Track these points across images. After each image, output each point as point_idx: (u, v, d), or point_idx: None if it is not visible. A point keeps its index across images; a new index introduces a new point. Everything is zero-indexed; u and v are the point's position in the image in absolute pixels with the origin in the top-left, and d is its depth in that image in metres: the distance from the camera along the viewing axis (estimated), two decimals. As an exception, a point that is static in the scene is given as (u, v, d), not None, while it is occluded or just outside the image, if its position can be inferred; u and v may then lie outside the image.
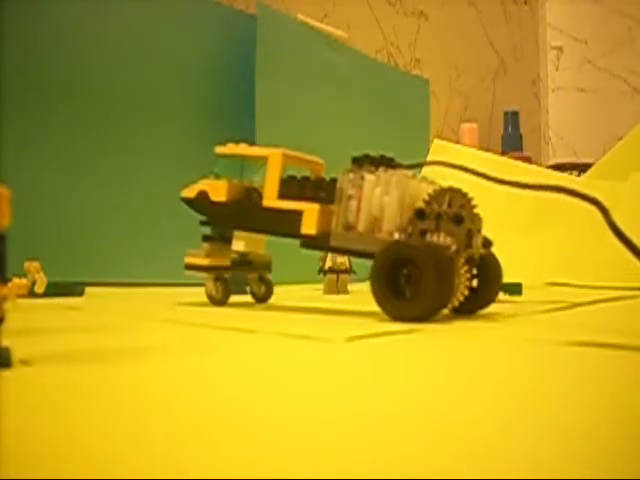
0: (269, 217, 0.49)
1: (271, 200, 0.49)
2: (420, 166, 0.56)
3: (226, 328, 0.39)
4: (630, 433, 0.16)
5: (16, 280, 0.28)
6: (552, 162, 2.10)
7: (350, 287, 0.85)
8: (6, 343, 0.24)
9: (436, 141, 1.39)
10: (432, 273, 0.39)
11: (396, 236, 0.42)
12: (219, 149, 0.55)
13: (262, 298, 0.58)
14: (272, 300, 0.64)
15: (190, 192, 0.54)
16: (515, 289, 0.64)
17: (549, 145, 2.42)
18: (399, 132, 1.48)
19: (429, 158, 1.33)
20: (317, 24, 1.32)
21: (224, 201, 0.51)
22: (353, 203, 0.45)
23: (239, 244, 0.53)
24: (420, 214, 0.43)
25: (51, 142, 0.91)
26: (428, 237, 0.42)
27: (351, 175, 0.45)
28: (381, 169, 0.45)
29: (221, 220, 0.53)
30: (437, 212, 0.42)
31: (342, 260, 0.82)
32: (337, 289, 0.82)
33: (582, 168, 1.70)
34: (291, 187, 0.49)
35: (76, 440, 0.15)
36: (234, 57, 1.16)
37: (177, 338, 0.36)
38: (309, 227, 0.46)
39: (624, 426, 0.17)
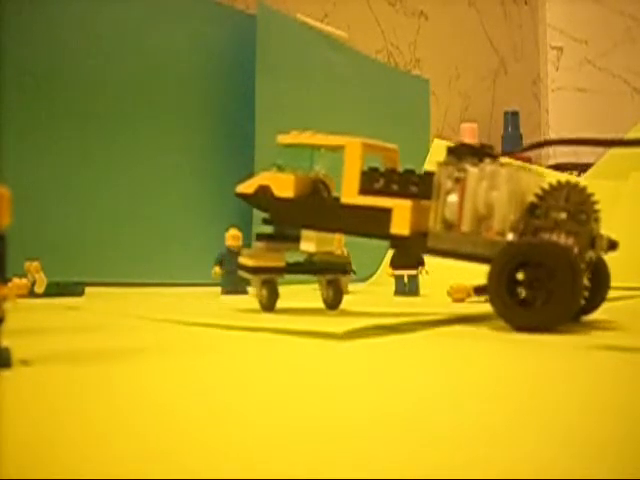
0: (348, 215, 0.44)
1: (351, 196, 0.44)
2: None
3: (226, 328, 0.39)
4: (630, 433, 0.16)
5: (16, 280, 0.28)
6: (552, 162, 2.10)
7: (350, 287, 0.85)
8: (6, 343, 0.24)
9: (436, 141, 1.39)
10: (567, 277, 0.35)
11: (510, 237, 0.38)
12: (282, 138, 0.49)
13: (330, 304, 0.50)
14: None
15: (248, 187, 0.48)
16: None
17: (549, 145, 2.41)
18: (399, 132, 1.48)
19: (429, 158, 1.33)
20: (317, 24, 1.32)
21: (291, 197, 0.46)
22: (453, 199, 0.39)
23: (309, 244, 0.46)
24: (534, 210, 0.38)
25: (51, 142, 0.91)
26: (544, 236, 0.37)
27: (449, 167, 0.40)
28: (486, 161, 0.39)
29: (288, 218, 0.47)
30: (555, 208, 0.38)
31: (342, 260, 0.82)
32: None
33: (582, 168, 1.69)
34: (374, 181, 0.43)
35: (76, 440, 0.15)
36: (234, 57, 1.16)
37: (177, 338, 0.36)
38: (400, 227, 0.41)
39: (624, 426, 0.17)
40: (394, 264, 0.79)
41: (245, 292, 0.80)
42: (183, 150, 1.08)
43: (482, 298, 0.62)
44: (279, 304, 0.48)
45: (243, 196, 0.49)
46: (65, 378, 0.23)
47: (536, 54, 2.43)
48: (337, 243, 0.82)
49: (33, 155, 0.88)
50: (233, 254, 0.80)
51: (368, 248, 1.12)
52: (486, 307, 0.48)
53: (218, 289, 0.80)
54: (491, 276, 0.37)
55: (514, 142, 1.98)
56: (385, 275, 0.84)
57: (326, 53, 1.31)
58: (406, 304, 0.62)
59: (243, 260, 0.48)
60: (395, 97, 1.50)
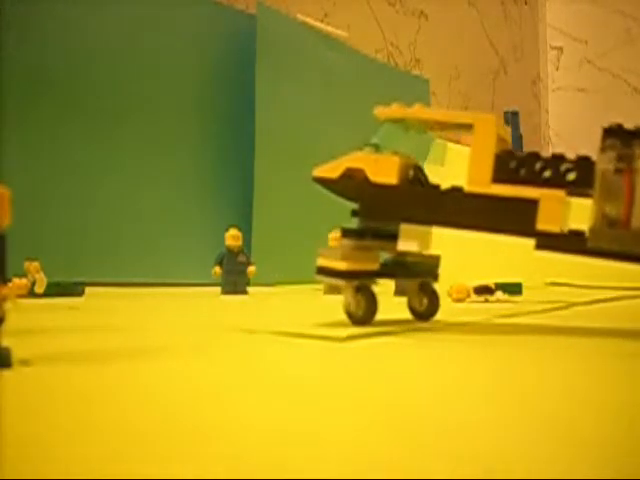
0: (476, 208, 0.36)
1: (481, 184, 0.36)
2: None
3: (226, 328, 0.39)
4: (630, 433, 0.16)
5: (16, 280, 0.28)
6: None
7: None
8: (6, 343, 0.24)
9: (436, 141, 1.39)
10: None
11: None
12: (381, 111, 0.40)
13: (423, 314, 0.42)
14: (272, 300, 0.63)
15: (331, 170, 0.39)
16: (515, 289, 0.64)
17: (549, 145, 2.42)
18: (399, 132, 1.48)
19: (429, 158, 1.33)
20: (317, 24, 1.32)
21: (394, 183, 0.37)
22: (619, 191, 0.33)
23: (411, 243, 0.38)
24: None
25: (51, 142, 0.91)
26: None
27: (612, 152, 0.34)
28: None
29: (388, 210, 0.38)
30: None
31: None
32: (337, 289, 0.82)
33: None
34: (510, 167, 0.36)
35: (76, 440, 0.15)
36: (234, 57, 1.16)
37: (177, 338, 0.36)
38: (550, 222, 0.35)
39: (624, 426, 0.17)
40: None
41: (245, 292, 0.80)
42: (183, 150, 1.08)
43: (482, 298, 0.62)
44: (279, 304, 0.48)
45: (323, 181, 0.40)
46: (65, 378, 0.23)
47: (536, 54, 2.43)
48: (336, 242, 0.82)
49: (33, 155, 0.88)
50: (233, 254, 0.81)
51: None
52: (486, 307, 0.48)
53: (218, 289, 0.80)
54: None
55: (514, 142, 1.98)
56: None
57: (326, 53, 1.31)
58: (406, 304, 0.61)
59: (327, 262, 0.39)
60: (395, 97, 1.50)
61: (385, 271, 0.40)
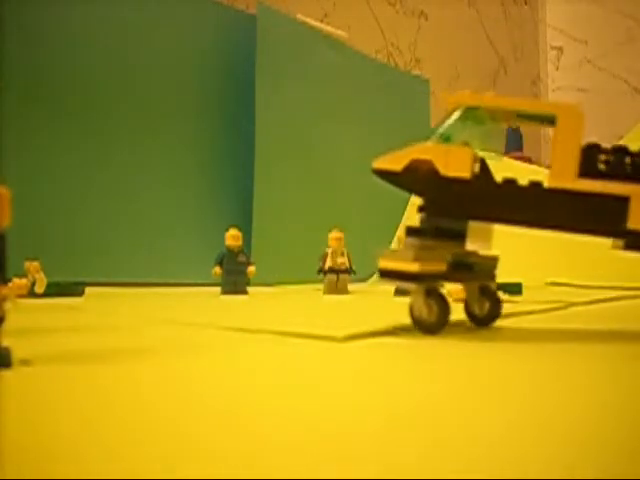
0: (559, 205, 0.34)
1: (565, 179, 0.33)
2: None
3: (226, 328, 0.39)
4: (630, 434, 0.16)
5: (16, 280, 0.28)
6: (552, 162, 2.09)
7: (350, 287, 0.85)
8: (6, 343, 0.24)
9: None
10: None
11: None
12: (451, 98, 0.37)
13: (484, 319, 0.39)
14: (272, 300, 0.63)
15: (395, 162, 0.36)
16: (515, 289, 0.64)
17: (549, 145, 2.42)
18: (399, 132, 1.48)
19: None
20: (317, 24, 1.32)
21: (466, 177, 0.34)
22: None
23: (482, 243, 0.35)
24: None
25: (51, 143, 0.91)
26: None
27: None
28: None
29: (458, 206, 0.35)
30: None
31: (342, 260, 0.82)
32: (337, 289, 0.82)
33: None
34: (597, 161, 0.34)
35: (76, 440, 0.15)
36: (234, 57, 1.16)
37: (177, 338, 0.35)
38: None
39: (624, 427, 0.17)
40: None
41: (245, 292, 0.80)
42: (183, 150, 1.08)
43: None
44: (279, 304, 0.48)
45: (385, 173, 0.36)
46: (65, 378, 0.23)
47: (536, 54, 2.43)
48: (336, 242, 0.83)
49: (33, 155, 0.88)
50: (233, 254, 0.81)
51: (368, 248, 1.12)
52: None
53: (218, 289, 0.80)
54: None
55: (514, 142, 1.98)
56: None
57: (326, 53, 1.31)
58: (406, 304, 0.61)
59: (394, 264, 0.35)
60: (395, 97, 1.50)
61: (451, 273, 0.36)
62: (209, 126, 1.13)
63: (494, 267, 0.39)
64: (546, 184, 0.34)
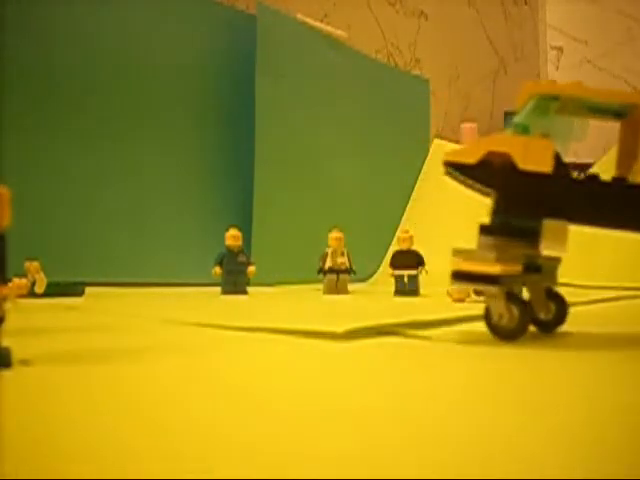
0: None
1: None
2: None
3: (226, 328, 0.39)
4: (630, 434, 0.16)
5: (16, 280, 0.28)
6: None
7: (350, 287, 0.85)
8: (6, 343, 0.24)
9: (436, 141, 1.39)
10: None
11: None
12: (530, 85, 0.34)
13: (550, 323, 0.36)
14: (272, 300, 0.62)
15: (469, 154, 0.33)
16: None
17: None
18: (399, 132, 1.48)
19: (429, 158, 1.33)
20: (317, 24, 1.32)
21: (547, 172, 0.31)
22: None
23: (559, 245, 0.32)
24: None
25: (51, 142, 0.91)
26: None
27: None
28: None
29: (539, 204, 0.32)
30: None
31: (342, 260, 0.82)
32: (337, 289, 0.82)
33: (582, 168, 1.69)
34: None
35: (76, 440, 0.15)
36: (234, 57, 1.16)
37: (177, 338, 0.36)
38: None
39: (624, 428, 0.17)
40: (394, 264, 0.79)
41: (245, 292, 0.80)
42: (183, 150, 1.08)
43: (482, 298, 0.62)
44: (279, 304, 0.48)
45: (457, 166, 0.33)
46: (65, 378, 0.23)
47: (536, 54, 2.43)
48: (336, 242, 0.83)
49: (33, 155, 0.88)
50: (233, 254, 0.81)
51: (368, 248, 1.12)
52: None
53: (218, 289, 0.80)
54: None
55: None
56: (385, 275, 0.84)
57: (326, 53, 1.31)
58: (406, 304, 0.62)
59: (473, 265, 0.32)
60: (395, 97, 1.50)
61: (525, 276, 0.34)
62: (209, 126, 1.13)
63: (556, 269, 0.36)
64: (631, 180, 0.31)
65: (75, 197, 0.92)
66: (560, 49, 2.44)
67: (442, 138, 1.43)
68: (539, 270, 0.34)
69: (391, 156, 1.41)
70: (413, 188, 1.28)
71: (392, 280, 0.79)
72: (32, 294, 0.60)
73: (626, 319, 0.49)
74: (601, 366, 0.27)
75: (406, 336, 0.36)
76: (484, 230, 0.33)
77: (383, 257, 1.13)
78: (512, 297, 0.33)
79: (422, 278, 0.77)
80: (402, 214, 1.23)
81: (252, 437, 0.16)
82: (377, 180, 1.36)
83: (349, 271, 0.83)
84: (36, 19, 0.89)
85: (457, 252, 0.33)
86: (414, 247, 0.78)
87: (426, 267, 0.77)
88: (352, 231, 0.90)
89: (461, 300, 0.62)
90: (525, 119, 0.33)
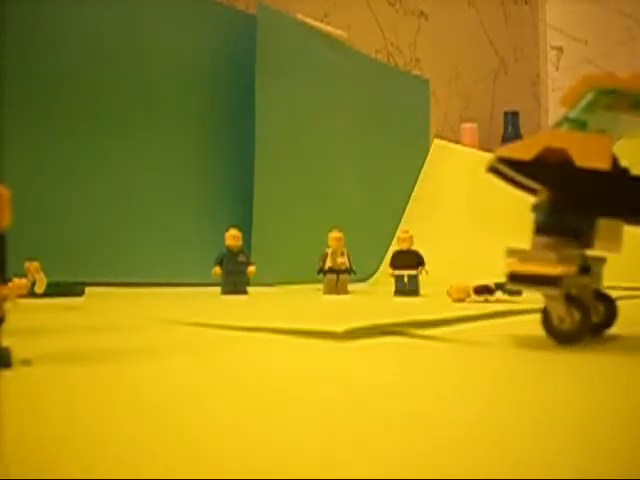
0: None
1: None
2: None
3: (226, 328, 0.39)
4: (629, 434, 0.16)
5: (16, 280, 0.28)
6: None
7: (350, 287, 0.85)
8: (6, 343, 0.24)
9: (436, 141, 1.39)
10: None
11: None
12: (587, 78, 0.31)
13: (599, 325, 0.35)
14: (272, 300, 0.62)
15: (524, 150, 0.31)
16: (515, 289, 0.64)
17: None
18: (399, 132, 1.48)
19: (429, 158, 1.33)
20: (317, 24, 1.32)
21: (606, 170, 0.30)
22: None
23: (614, 245, 0.31)
24: None
25: (51, 143, 0.91)
26: None
27: None
28: None
29: (596, 202, 0.31)
30: None
31: (342, 260, 0.82)
32: (337, 289, 0.82)
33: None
34: None
35: (76, 440, 0.15)
36: (234, 57, 1.16)
37: (177, 338, 0.36)
38: None
39: (624, 428, 0.17)
40: (394, 264, 0.79)
41: (245, 292, 0.80)
42: (183, 150, 1.08)
43: (482, 298, 0.62)
44: (279, 304, 0.48)
45: (511, 162, 0.32)
46: (65, 378, 0.23)
47: (536, 54, 2.43)
48: (336, 241, 0.83)
49: (33, 155, 0.88)
50: (233, 254, 0.81)
51: (368, 248, 1.12)
52: (485, 307, 0.48)
53: (218, 289, 0.80)
54: None
55: (513, 130, 1.98)
56: (385, 275, 0.84)
57: (326, 53, 1.31)
58: (406, 304, 0.62)
59: (531, 267, 0.31)
60: (395, 97, 1.50)
61: (577, 277, 0.32)
62: (209, 126, 1.13)
63: (602, 269, 0.35)
64: None
65: (75, 197, 0.92)
66: (560, 49, 2.44)
67: (442, 138, 1.43)
68: (588, 271, 0.33)
69: (391, 156, 1.41)
70: (413, 188, 1.28)
71: (392, 280, 0.79)
72: (32, 294, 0.60)
73: (626, 319, 0.49)
74: (601, 366, 0.27)
75: (406, 336, 0.36)
76: (542, 229, 0.32)
77: (383, 257, 1.13)
78: (572, 300, 0.32)
79: (422, 278, 0.77)
80: (402, 214, 1.23)
81: (253, 437, 0.16)
82: (377, 180, 1.36)
83: (349, 271, 0.83)
84: (36, 19, 0.89)
85: (512, 252, 0.31)
86: (414, 247, 0.78)
87: (426, 267, 0.77)
88: (352, 231, 0.90)
89: (461, 300, 0.62)
90: (582, 114, 0.31)
